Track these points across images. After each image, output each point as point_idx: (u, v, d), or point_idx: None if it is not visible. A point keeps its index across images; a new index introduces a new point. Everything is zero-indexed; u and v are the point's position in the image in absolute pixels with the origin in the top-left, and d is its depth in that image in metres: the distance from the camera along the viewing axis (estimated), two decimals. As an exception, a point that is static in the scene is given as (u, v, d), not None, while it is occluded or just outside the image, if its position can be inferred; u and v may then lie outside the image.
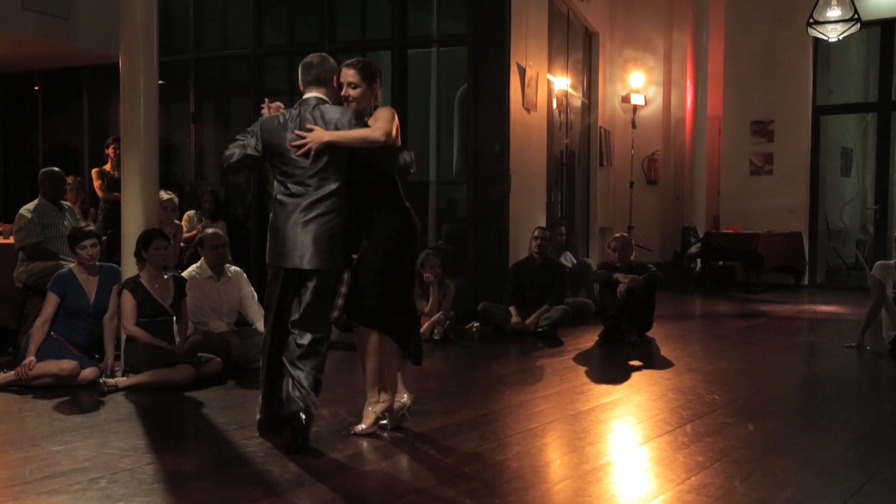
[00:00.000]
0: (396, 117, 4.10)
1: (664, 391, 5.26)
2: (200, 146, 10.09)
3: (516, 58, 8.61)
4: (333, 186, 4.00)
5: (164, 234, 5.66)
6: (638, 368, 6.08)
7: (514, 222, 8.50)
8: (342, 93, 4.12)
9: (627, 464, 3.87)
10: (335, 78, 4.16)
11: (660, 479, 3.57)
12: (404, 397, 4.28)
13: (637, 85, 13.18)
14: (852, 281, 12.48)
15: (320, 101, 4.13)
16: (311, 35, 9.58)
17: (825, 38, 10.42)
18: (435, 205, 9.08)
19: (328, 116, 4.04)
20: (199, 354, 5.46)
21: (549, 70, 9.92)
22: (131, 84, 5.94)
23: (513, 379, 5.64)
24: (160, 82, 6.21)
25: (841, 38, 10.34)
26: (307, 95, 4.18)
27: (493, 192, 8.43)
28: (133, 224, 5.82)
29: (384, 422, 4.21)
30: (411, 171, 4.20)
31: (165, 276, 5.52)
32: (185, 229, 7.62)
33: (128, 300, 5.31)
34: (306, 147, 3.99)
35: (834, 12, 10.18)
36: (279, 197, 4.09)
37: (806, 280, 12.17)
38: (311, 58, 4.26)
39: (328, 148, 3.97)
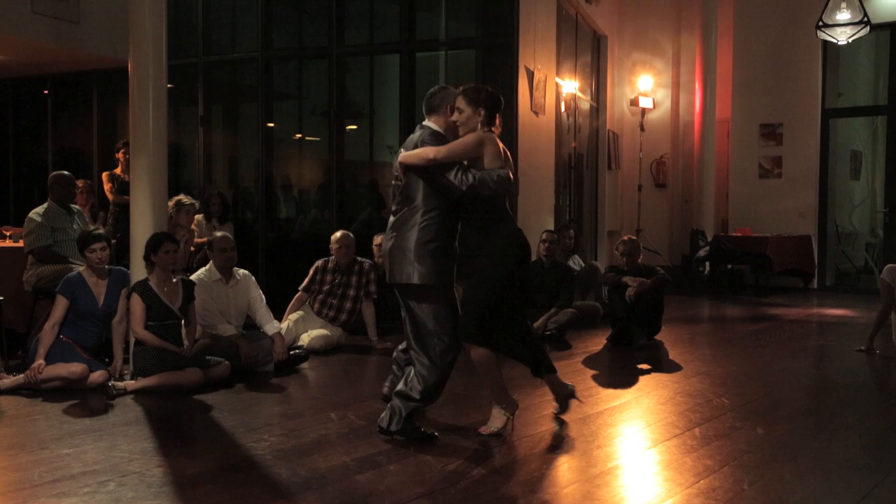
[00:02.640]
0: (480, 143, 4.19)
1: (672, 395, 5.25)
2: (209, 149, 10.13)
3: (524, 61, 8.62)
4: (411, 205, 4.20)
5: (173, 237, 5.68)
6: (646, 372, 6.06)
7: (522, 225, 8.38)
8: (451, 117, 4.29)
9: (636, 467, 3.86)
10: (448, 106, 4.31)
11: (668, 483, 3.56)
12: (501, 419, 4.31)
13: (645, 88, 13.17)
14: (862, 284, 12.44)
15: (425, 128, 4.31)
16: (319, 38, 9.62)
17: (834, 41, 10.40)
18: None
19: (413, 138, 4.29)
20: (208, 358, 5.47)
21: (558, 73, 9.93)
22: (140, 88, 5.96)
23: (521, 382, 5.62)
24: (169, 86, 6.23)
25: (850, 41, 10.31)
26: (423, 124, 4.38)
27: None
28: (142, 228, 5.84)
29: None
30: (475, 189, 4.13)
31: (174, 280, 5.53)
32: (195, 234, 7.64)
33: (137, 303, 5.33)
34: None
35: (843, 15, 10.16)
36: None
37: (815, 283, 12.13)
38: (433, 88, 4.44)
39: (406, 168, 4.20)
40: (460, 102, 4.24)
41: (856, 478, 3.63)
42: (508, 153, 4.43)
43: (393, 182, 4.55)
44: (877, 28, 10.91)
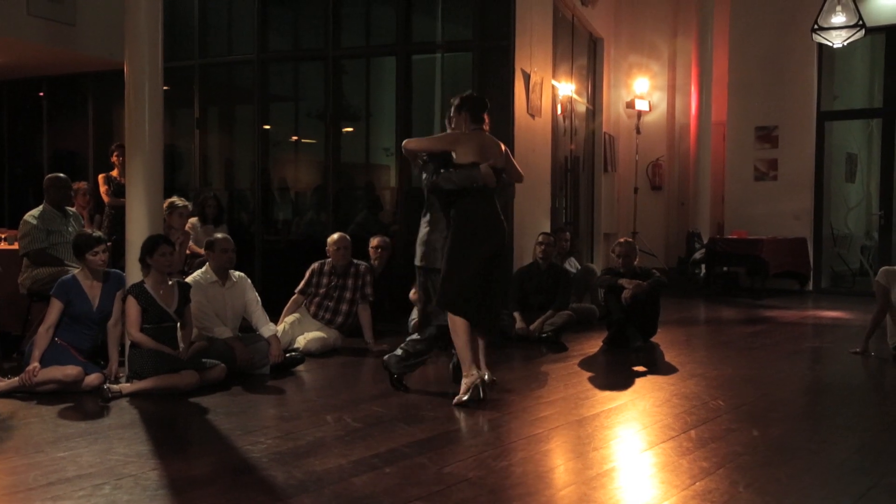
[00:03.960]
0: (453, 140, 5.06)
1: (668, 397, 5.26)
2: (205, 152, 10.12)
3: (521, 63, 8.63)
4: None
5: (169, 239, 5.67)
6: (642, 374, 6.07)
7: (518, 228, 8.51)
8: None
9: (632, 469, 3.86)
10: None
11: (664, 485, 3.56)
12: (478, 372, 4.89)
13: (641, 90, 13.19)
14: (857, 287, 12.47)
15: None
16: (315, 41, 9.62)
17: (830, 44, 10.43)
18: (439, 210, 9.08)
19: None
20: (204, 360, 5.46)
21: (554, 76, 9.94)
22: (136, 90, 5.95)
23: (517, 385, 5.63)
24: (165, 88, 6.23)
25: (845, 44, 10.35)
26: None
27: (498, 198, 8.41)
28: (138, 230, 5.83)
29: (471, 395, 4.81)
30: (437, 186, 5.02)
31: (170, 282, 5.52)
32: (189, 236, 7.63)
33: (132, 306, 5.32)
34: None
35: (838, 18, 10.19)
36: None
37: (811, 286, 12.15)
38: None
39: None
40: (452, 112, 5.16)
41: (851, 480, 3.64)
42: (503, 148, 5.03)
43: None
44: (872, 31, 10.94)
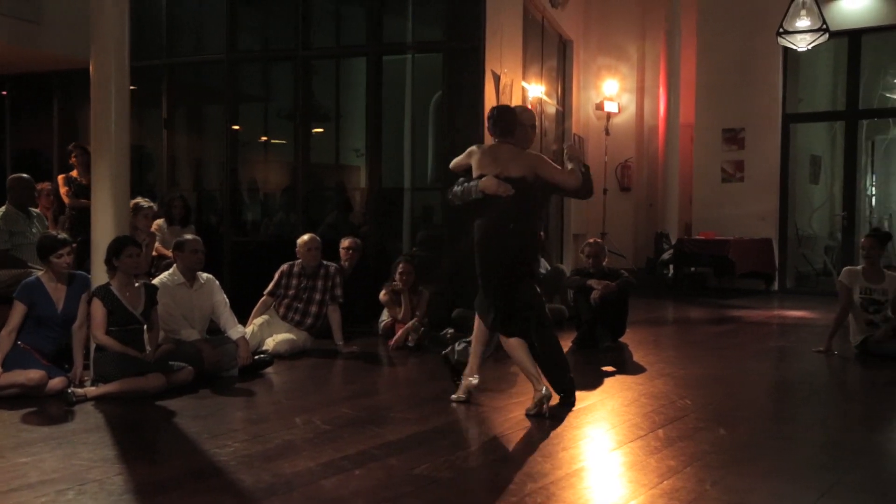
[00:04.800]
0: (469, 153, 5.03)
1: (637, 396, 5.30)
2: (173, 152, 10.02)
3: (491, 65, 8.64)
4: None
5: (136, 241, 5.61)
6: (611, 374, 6.10)
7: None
8: None
9: (600, 469, 3.89)
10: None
11: (632, 484, 3.59)
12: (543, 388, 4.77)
13: (611, 92, 13.28)
14: (821, 286, 12.65)
15: None
16: (285, 41, 9.57)
17: (795, 47, 10.57)
18: (410, 211, 9.08)
19: None
20: (171, 363, 5.40)
21: (524, 77, 9.97)
22: (102, 89, 5.88)
23: (487, 385, 5.64)
24: (132, 88, 6.16)
25: (810, 47, 10.49)
26: None
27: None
28: (104, 231, 5.76)
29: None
30: (453, 201, 5.05)
31: (136, 284, 5.46)
32: (156, 237, 7.55)
33: (97, 308, 5.25)
34: None
35: (803, 22, 10.33)
36: None
37: (776, 285, 12.31)
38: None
39: None
40: None
41: (815, 477, 3.69)
42: (529, 159, 4.93)
43: None
44: (835, 35, 11.10)
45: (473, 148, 5.03)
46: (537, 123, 10.93)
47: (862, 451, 4.15)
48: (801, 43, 10.40)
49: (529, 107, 10.42)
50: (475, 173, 4.88)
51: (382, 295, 7.41)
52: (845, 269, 7.03)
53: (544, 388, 4.72)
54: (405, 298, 7.29)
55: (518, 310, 4.85)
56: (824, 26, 10.21)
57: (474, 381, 5.00)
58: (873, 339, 6.63)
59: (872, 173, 15.81)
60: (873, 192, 15.95)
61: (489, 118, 5.05)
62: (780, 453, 4.08)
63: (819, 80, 14.22)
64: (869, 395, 5.85)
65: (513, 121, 4.99)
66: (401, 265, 7.35)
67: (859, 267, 6.89)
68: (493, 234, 4.84)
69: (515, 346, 4.82)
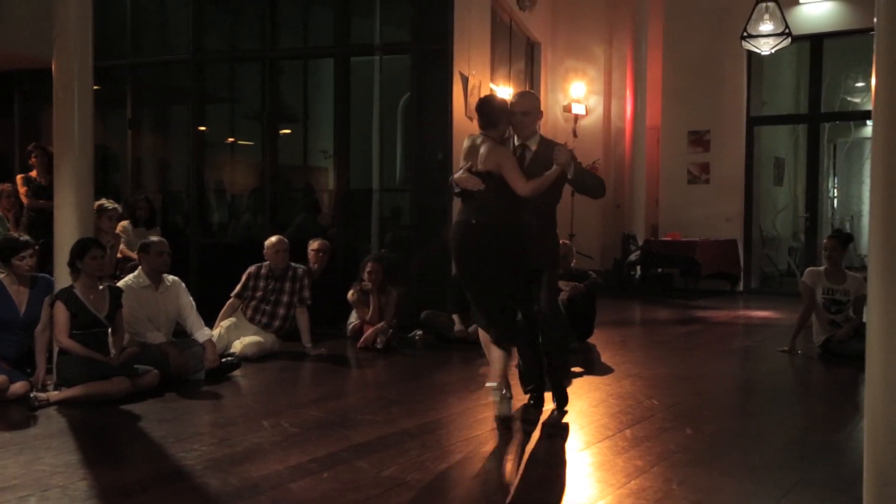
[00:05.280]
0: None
1: (605, 397, 5.33)
2: (138, 153, 9.90)
3: (459, 66, 8.66)
4: None
5: (100, 243, 5.53)
6: (579, 375, 6.13)
7: (457, 230, 8.51)
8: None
9: (569, 469, 3.90)
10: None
11: (600, 484, 3.61)
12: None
13: (578, 95, 13.36)
14: (785, 287, 12.82)
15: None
16: (252, 41, 9.50)
17: (758, 51, 10.71)
18: (378, 213, 9.07)
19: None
20: (136, 366, 5.33)
21: (492, 79, 10.00)
22: (65, 89, 5.79)
23: (456, 387, 5.65)
24: (95, 87, 6.08)
25: (773, 51, 10.64)
26: None
27: (437, 201, 8.44)
28: (67, 233, 5.67)
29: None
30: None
31: (101, 287, 5.39)
32: (120, 239, 7.46)
33: (60, 312, 5.17)
34: None
35: (766, 27, 10.47)
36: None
37: (741, 286, 12.46)
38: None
39: None
40: None
41: (779, 475, 3.74)
42: (493, 154, 4.73)
43: None
44: (798, 39, 11.27)
45: (468, 137, 4.97)
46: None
47: (825, 448, 4.22)
48: (765, 47, 10.54)
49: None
50: (461, 164, 4.87)
51: (350, 295, 7.38)
52: (808, 269, 7.13)
53: (507, 392, 4.70)
54: (374, 298, 7.27)
55: (501, 309, 4.72)
56: (787, 31, 10.36)
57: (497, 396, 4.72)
58: (835, 338, 6.73)
59: (834, 175, 16.08)
60: (835, 194, 16.23)
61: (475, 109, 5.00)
62: (745, 452, 4.13)
63: (782, 83, 14.44)
64: (831, 393, 5.94)
65: (494, 112, 4.81)
66: (369, 264, 7.34)
67: (822, 268, 6.99)
68: (457, 230, 4.77)
69: (487, 341, 4.74)
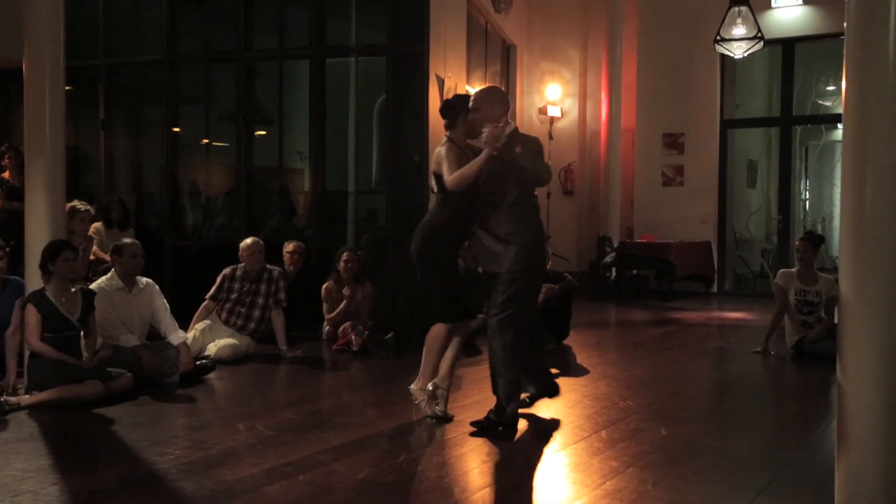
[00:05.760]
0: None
1: (580, 398, 5.35)
2: (111, 154, 9.81)
3: (435, 68, 8.66)
4: None
5: (72, 245, 5.47)
6: (554, 376, 6.11)
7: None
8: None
9: (545, 470, 3.91)
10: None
11: (576, 485, 3.63)
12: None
13: (554, 97, 13.41)
14: (758, 288, 12.94)
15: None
16: (227, 42, 9.44)
17: (731, 54, 10.82)
18: (354, 215, 9.05)
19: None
20: (109, 369, 5.28)
21: (468, 81, 10.01)
22: (36, 90, 5.72)
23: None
24: (67, 88, 6.02)
25: (746, 55, 10.75)
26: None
27: (412, 203, 8.44)
28: (38, 235, 5.60)
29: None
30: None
31: (73, 289, 5.33)
32: (93, 241, 7.38)
33: (32, 315, 5.11)
34: None
35: (739, 30, 10.58)
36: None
37: (715, 288, 12.56)
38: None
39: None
40: None
41: (752, 475, 3.78)
42: (436, 153, 4.67)
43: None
44: (770, 43, 11.40)
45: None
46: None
47: (798, 448, 4.26)
48: (738, 50, 10.65)
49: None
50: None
51: (325, 287, 7.41)
52: (781, 271, 7.21)
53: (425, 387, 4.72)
54: (348, 288, 7.31)
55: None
56: (759, 35, 10.48)
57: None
58: (807, 339, 6.80)
59: (806, 178, 16.30)
60: (807, 196, 16.44)
61: None
62: (719, 452, 4.17)
63: (755, 86, 14.59)
64: (804, 393, 6.00)
65: (448, 111, 4.71)
66: (344, 254, 7.41)
67: (794, 269, 7.06)
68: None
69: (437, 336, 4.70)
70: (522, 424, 4.65)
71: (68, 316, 5.21)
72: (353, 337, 6.98)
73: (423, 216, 8.20)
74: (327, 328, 7.44)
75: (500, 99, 4.65)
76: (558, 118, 13.48)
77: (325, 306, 7.45)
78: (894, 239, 3.09)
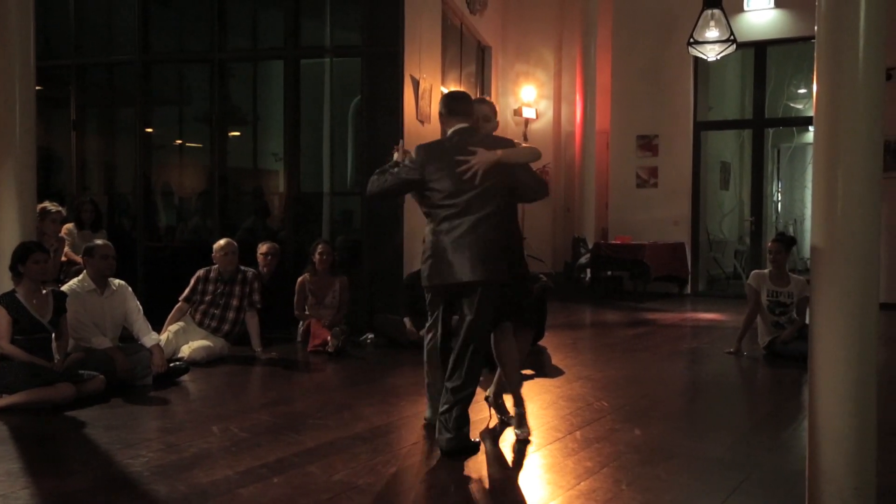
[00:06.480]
0: None
1: (555, 399, 5.37)
2: (83, 155, 9.70)
3: (410, 70, 8.65)
4: (495, 206, 4.21)
5: (42, 246, 5.41)
6: (530, 377, 6.17)
7: (408, 233, 8.52)
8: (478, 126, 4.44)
9: (519, 471, 3.92)
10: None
11: (551, 486, 3.64)
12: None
13: (529, 99, 13.45)
14: (731, 289, 13.06)
15: (470, 129, 4.36)
16: (200, 43, 9.37)
17: (704, 57, 10.91)
18: (329, 216, 9.01)
19: (489, 142, 4.31)
20: (81, 372, 5.23)
21: (443, 82, 10.02)
22: (6, 90, 5.66)
23: (408, 390, 5.63)
24: (38, 88, 5.95)
25: (718, 57, 10.85)
26: (460, 126, 4.33)
27: (388, 205, 8.42)
28: (8, 236, 5.54)
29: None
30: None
31: (44, 291, 5.27)
32: (65, 242, 7.30)
33: (2, 317, 5.04)
34: (474, 169, 4.15)
35: (712, 33, 10.67)
36: (441, 220, 4.24)
37: (689, 289, 12.66)
38: (458, 93, 4.64)
39: (494, 169, 4.18)
40: (490, 111, 4.54)
41: (725, 474, 3.81)
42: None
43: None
44: (743, 46, 11.51)
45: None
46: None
47: (770, 447, 4.30)
48: (711, 53, 10.74)
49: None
50: None
51: (300, 280, 7.42)
52: (753, 272, 7.28)
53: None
54: (324, 282, 7.33)
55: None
56: (732, 37, 10.57)
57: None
58: (779, 339, 6.88)
59: (778, 180, 16.47)
60: (779, 198, 16.62)
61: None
62: (692, 452, 4.20)
63: (728, 89, 14.73)
64: (776, 393, 6.07)
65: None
66: (319, 246, 7.43)
67: (766, 271, 7.14)
68: None
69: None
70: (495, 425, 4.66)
71: (39, 318, 5.15)
72: (329, 338, 6.96)
73: (398, 218, 8.34)
74: (301, 328, 7.41)
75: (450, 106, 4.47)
76: (533, 120, 13.53)
77: (296, 299, 7.42)
78: (864, 240, 3.13)
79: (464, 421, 4.07)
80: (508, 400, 4.55)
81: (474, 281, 4.11)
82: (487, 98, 4.76)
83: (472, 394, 4.15)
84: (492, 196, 4.19)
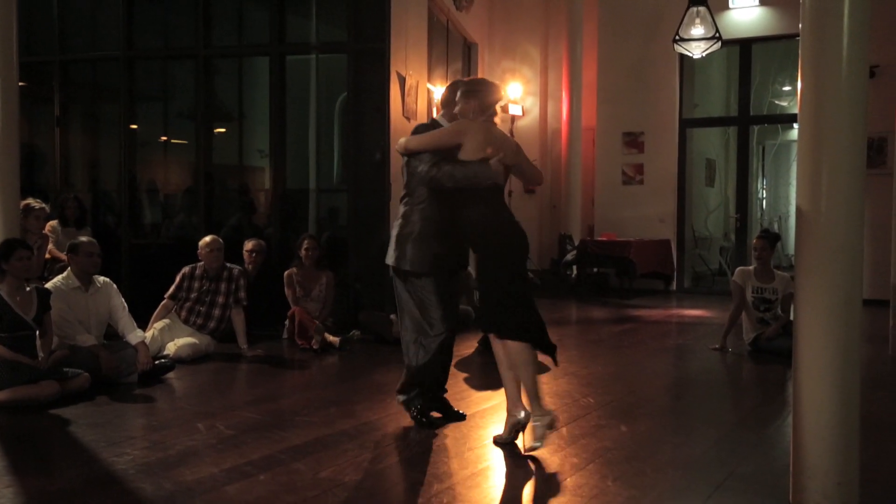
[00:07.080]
0: (458, 132, 4.36)
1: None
2: (67, 151, 9.64)
3: (396, 66, 8.65)
4: (406, 195, 4.64)
5: (26, 243, 5.37)
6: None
7: (395, 231, 8.51)
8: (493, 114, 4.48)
9: (506, 468, 3.93)
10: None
11: (537, 482, 3.65)
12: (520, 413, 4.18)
13: (515, 95, 13.45)
14: (716, 286, 13.12)
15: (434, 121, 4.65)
16: (185, 39, 9.33)
17: (690, 54, 10.95)
18: (315, 213, 8.99)
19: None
20: (66, 369, 5.20)
21: (429, 79, 10.01)
22: (-11, 85, 5.62)
23: (393, 387, 5.60)
24: (21, 84, 5.90)
25: (704, 55, 10.89)
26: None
27: (374, 201, 8.42)
28: (-9, 233, 5.50)
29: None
30: (438, 182, 4.39)
31: (28, 289, 5.23)
32: (48, 239, 7.25)
33: (-15, 314, 5.00)
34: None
35: (697, 30, 10.71)
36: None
37: (674, 285, 12.71)
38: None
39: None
40: (455, 95, 4.47)
41: (710, 470, 3.83)
42: (507, 138, 4.55)
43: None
44: (728, 43, 11.56)
45: (460, 125, 4.34)
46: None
47: (754, 443, 4.33)
48: (696, 50, 10.78)
49: (435, 109, 10.48)
50: (469, 156, 4.25)
51: (287, 273, 7.43)
52: (738, 269, 7.31)
53: (522, 413, 4.14)
54: (310, 275, 7.37)
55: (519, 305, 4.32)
56: (717, 35, 10.62)
57: (521, 417, 4.14)
58: (764, 336, 6.92)
59: (763, 177, 16.57)
60: (764, 195, 16.72)
61: (482, 92, 4.39)
62: (677, 449, 4.22)
63: (713, 86, 14.79)
64: (760, 389, 6.10)
65: (500, 97, 4.47)
66: (306, 241, 7.48)
67: (751, 267, 7.17)
68: (512, 226, 4.44)
69: (508, 351, 4.27)
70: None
71: (23, 316, 5.12)
72: (314, 334, 6.96)
73: (384, 214, 8.33)
74: (287, 325, 7.40)
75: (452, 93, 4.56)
76: (519, 117, 13.53)
77: (287, 291, 7.45)
78: (848, 237, 3.16)
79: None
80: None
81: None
82: (462, 80, 4.73)
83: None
84: (406, 185, 4.58)
